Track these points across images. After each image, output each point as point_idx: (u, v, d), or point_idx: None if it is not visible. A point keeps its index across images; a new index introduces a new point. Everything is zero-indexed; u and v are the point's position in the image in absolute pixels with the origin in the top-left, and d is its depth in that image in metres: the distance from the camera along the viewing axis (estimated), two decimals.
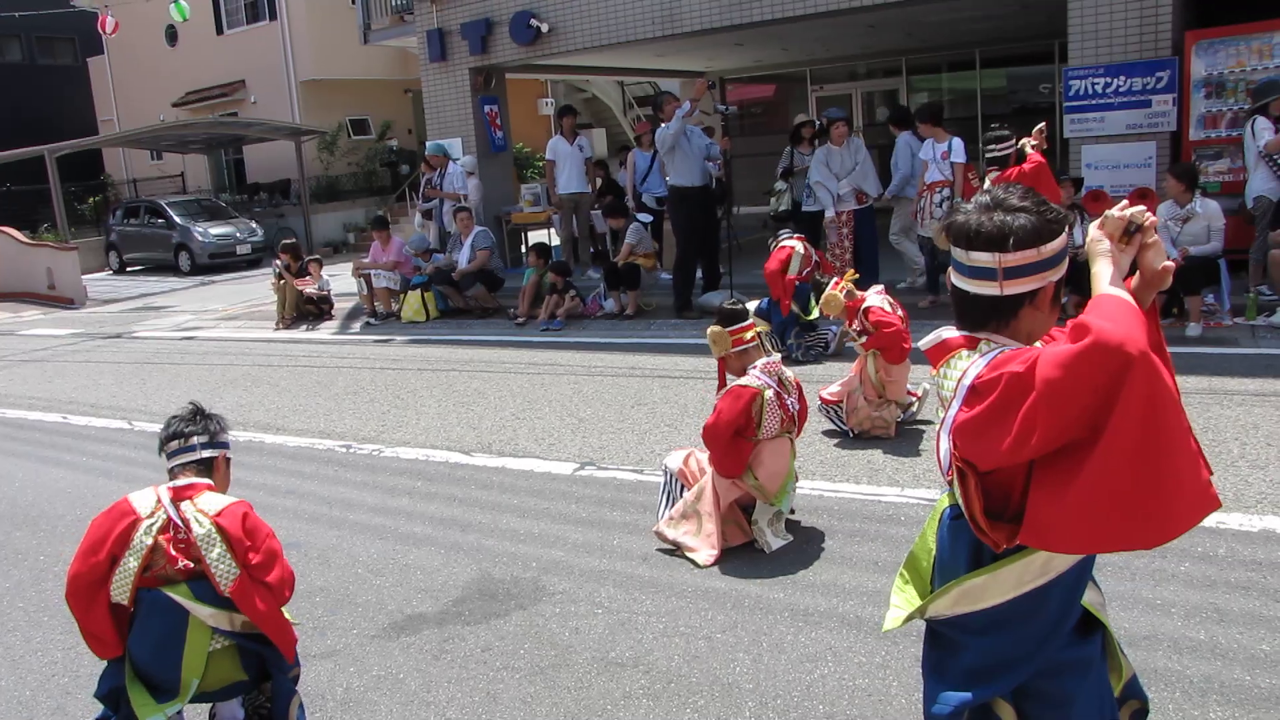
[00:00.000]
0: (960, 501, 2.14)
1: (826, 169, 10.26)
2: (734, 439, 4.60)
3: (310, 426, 7.80)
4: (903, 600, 2.46)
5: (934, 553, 2.35)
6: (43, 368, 11.77)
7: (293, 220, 23.63)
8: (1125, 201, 2.11)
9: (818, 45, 16.57)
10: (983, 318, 2.12)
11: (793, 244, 8.71)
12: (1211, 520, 4.57)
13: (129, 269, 24.24)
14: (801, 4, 11.86)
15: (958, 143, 9.80)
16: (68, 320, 16.41)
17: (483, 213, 14.21)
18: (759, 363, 4.79)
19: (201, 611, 3.09)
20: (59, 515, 6.14)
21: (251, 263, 22.02)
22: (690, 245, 10.85)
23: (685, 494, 4.88)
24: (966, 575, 2.20)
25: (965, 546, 2.22)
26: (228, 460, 3.39)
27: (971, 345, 2.12)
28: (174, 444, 3.27)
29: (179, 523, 3.09)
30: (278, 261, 13.70)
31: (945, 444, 2.14)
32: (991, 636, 2.23)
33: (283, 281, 13.45)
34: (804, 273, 8.65)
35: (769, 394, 4.64)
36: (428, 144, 14.67)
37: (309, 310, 13.68)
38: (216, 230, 22.42)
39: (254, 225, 23.10)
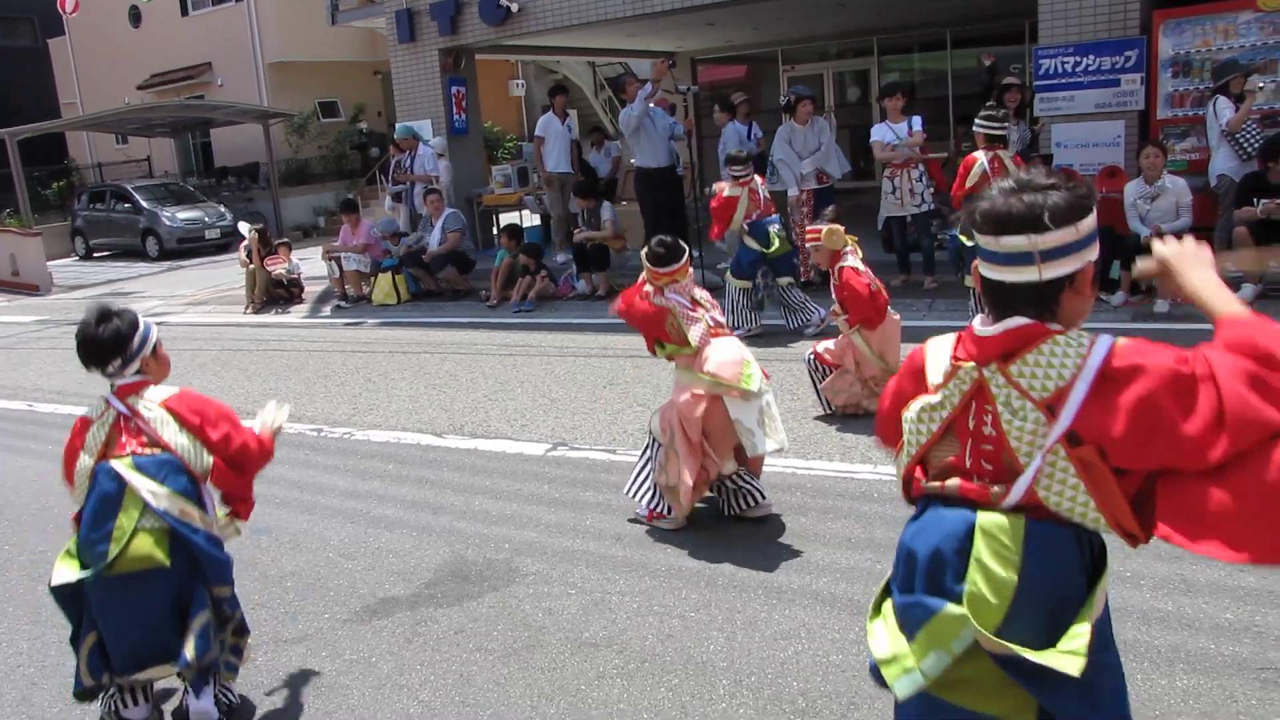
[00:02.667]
0: (1070, 504, 1.91)
1: (789, 147, 10.22)
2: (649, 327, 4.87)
3: None
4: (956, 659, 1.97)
5: (1015, 584, 1.92)
6: (7, 355, 11.63)
7: (262, 204, 23.39)
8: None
9: (789, 25, 16.52)
10: (1021, 308, 1.95)
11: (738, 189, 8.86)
12: None
13: (95, 255, 23.93)
14: None
15: (917, 120, 9.88)
16: (32, 307, 16.20)
17: (453, 194, 14.12)
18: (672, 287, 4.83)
19: (141, 484, 3.16)
20: (24, 505, 6.07)
21: (220, 247, 21.78)
22: (658, 225, 10.82)
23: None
24: (1090, 596, 1.96)
25: (1074, 562, 1.96)
26: (155, 351, 3.43)
27: (1046, 335, 1.94)
28: (109, 370, 3.33)
29: (127, 412, 3.27)
30: (245, 241, 13.55)
31: (1040, 435, 1.91)
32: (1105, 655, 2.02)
33: (252, 265, 13.33)
34: (756, 214, 8.85)
35: (677, 308, 4.72)
36: (397, 126, 14.55)
37: (279, 294, 13.57)
38: (184, 215, 22.17)
39: (222, 209, 22.85)
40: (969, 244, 7.58)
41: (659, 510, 4.79)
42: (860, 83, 18.98)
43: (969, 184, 8.12)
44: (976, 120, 8.26)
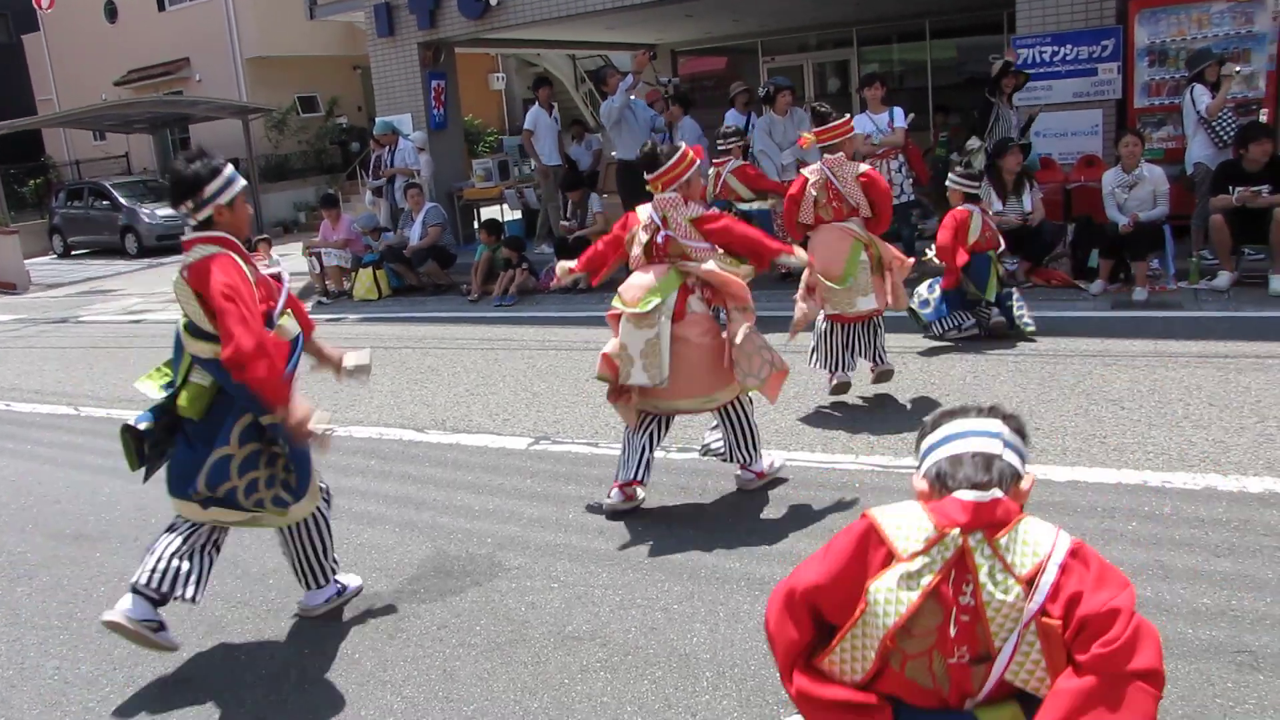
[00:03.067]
0: (1027, 677, 2.01)
1: (769, 138, 10.22)
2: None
3: None
4: None
5: None
6: None
7: None
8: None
9: (768, 16, 16.51)
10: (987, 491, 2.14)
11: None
12: (1156, 480, 4.71)
13: (74, 252, 23.77)
14: None
15: (899, 111, 9.89)
16: (10, 305, 16.08)
17: (434, 189, 14.08)
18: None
19: (184, 335, 3.69)
20: (2, 504, 6.03)
21: None
22: None
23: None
24: None
25: None
26: (232, 203, 3.68)
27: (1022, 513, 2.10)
28: (182, 210, 3.70)
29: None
30: None
31: (1017, 611, 1.98)
32: None
33: None
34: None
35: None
36: (377, 121, 14.49)
37: None
38: (164, 212, 22.00)
39: None
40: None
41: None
42: (840, 73, 18.97)
43: (973, 239, 7.48)
44: (951, 177, 7.80)
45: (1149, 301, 8.20)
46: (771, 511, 4.80)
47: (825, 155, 6.17)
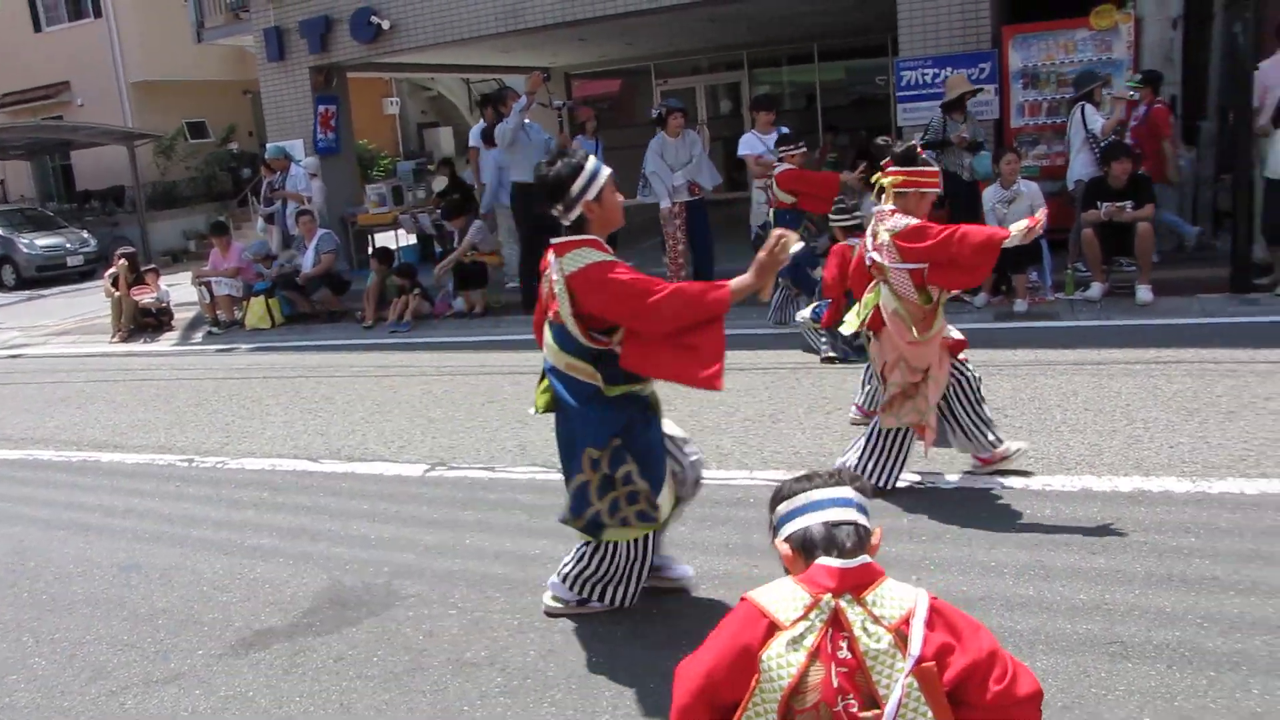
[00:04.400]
0: None
1: (661, 160, 10.35)
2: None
3: (150, 442, 7.51)
4: None
5: None
6: None
7: (128, 229, 22.58)
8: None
9: (661, 40, 16.74)
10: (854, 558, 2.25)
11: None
12: (1038, 484, 4.89)
13: None
14: None
15: (785, 130, 10.12)
16: None
17: (327, 215, 13.90)
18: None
19: (546, 339, 3.84)
20: None
21: (84, 274, 20.99)
22: (535, 240, 10.84)
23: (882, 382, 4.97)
24: None
25: None
26: (599, 197, 3.67)
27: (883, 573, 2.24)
28: (554, 212, 3.75)
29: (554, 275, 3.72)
30: (112, 270, 13.10)
31: (895, 660, 2.14)
32: None
33: (118, 293, 12.88)
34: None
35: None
36: (268, 146, 14.26)
37: (147, 323, 13.14)
38: (44, 241, 21.30)
39: (85, 235, 22.02)
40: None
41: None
42: (732, 95, 19.32)
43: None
44: (831, 217, 7.90)
45: (1029, 312, 8.52)
46: (666, 532, 4.83)
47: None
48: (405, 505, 5.57)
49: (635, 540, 3.87)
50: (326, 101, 14.73)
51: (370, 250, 14.85)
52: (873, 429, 5.01)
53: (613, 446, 3.69)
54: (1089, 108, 9.15)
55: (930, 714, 2.10)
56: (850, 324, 5.21)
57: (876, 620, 2.14)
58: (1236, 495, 4.61)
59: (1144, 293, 8.35)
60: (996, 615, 3.71)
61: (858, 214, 7.88)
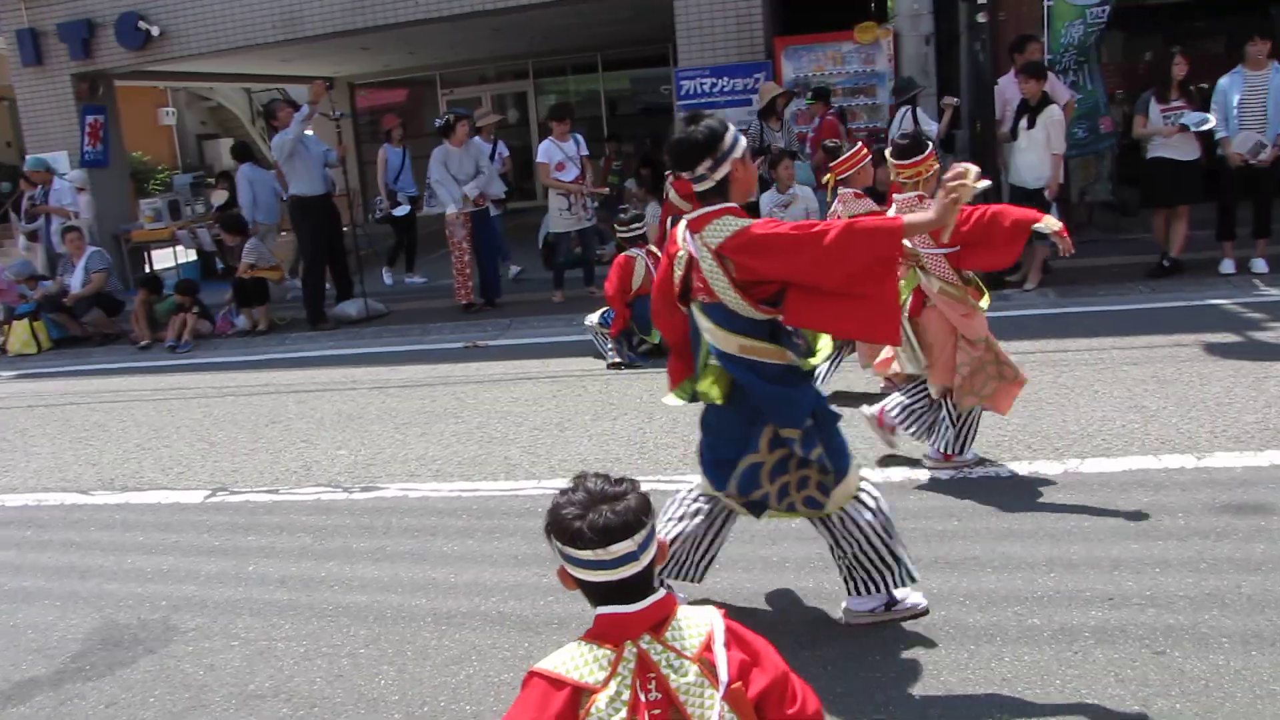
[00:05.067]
0: None
1: (444, 169, 10.28)
2: None
3: None
4: None
5: None
6: None
7: None
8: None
9: (446, 49, 16.61)
10: (644, 588, 2.17)
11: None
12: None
13: None
14: (421, 8, 11.89)
15: (580, 138, 10.29)
16: None
17: (97, 232, 13.13)
18: None
19: (704, 324, 3.50)
20: None
21: None
22: (318, 255, 10.59)
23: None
24: None
25: None
26: (744, 158, 3.41)
27: (676, 602, 2.20)
28: (698, 172, 3.41)
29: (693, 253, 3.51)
30: None
31: (705, 688, 2.11)
32: None
33: None
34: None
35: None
36: (28, 158, 13.34)
37: None
38: None
39: None
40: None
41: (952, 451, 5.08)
42: (519, 104, 19.36)
43: (637, 284, 7.66)
44: (615, 228, 8.07)
45: None
46: (455, 545, 4.82)
47: (842, 190, 6.39)
48: (184, 534, 5.34)
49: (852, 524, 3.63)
50: (94, 111, 13.91)
51: (148, 267, 14.16)
52: (950, 413, 5.04)
53: (807, 427, 3.46)
54: (921, 112, 9.69)
55: None
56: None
57: (680, 654, 2.10)
58: (992, 477, 4.97)
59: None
60: (779, 609, 3.87)
61: (639, 225, 8.04)
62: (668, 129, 11.49)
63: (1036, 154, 8.59)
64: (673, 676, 2.09)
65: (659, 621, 2.13)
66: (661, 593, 2.16)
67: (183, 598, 4.56)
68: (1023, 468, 5.05)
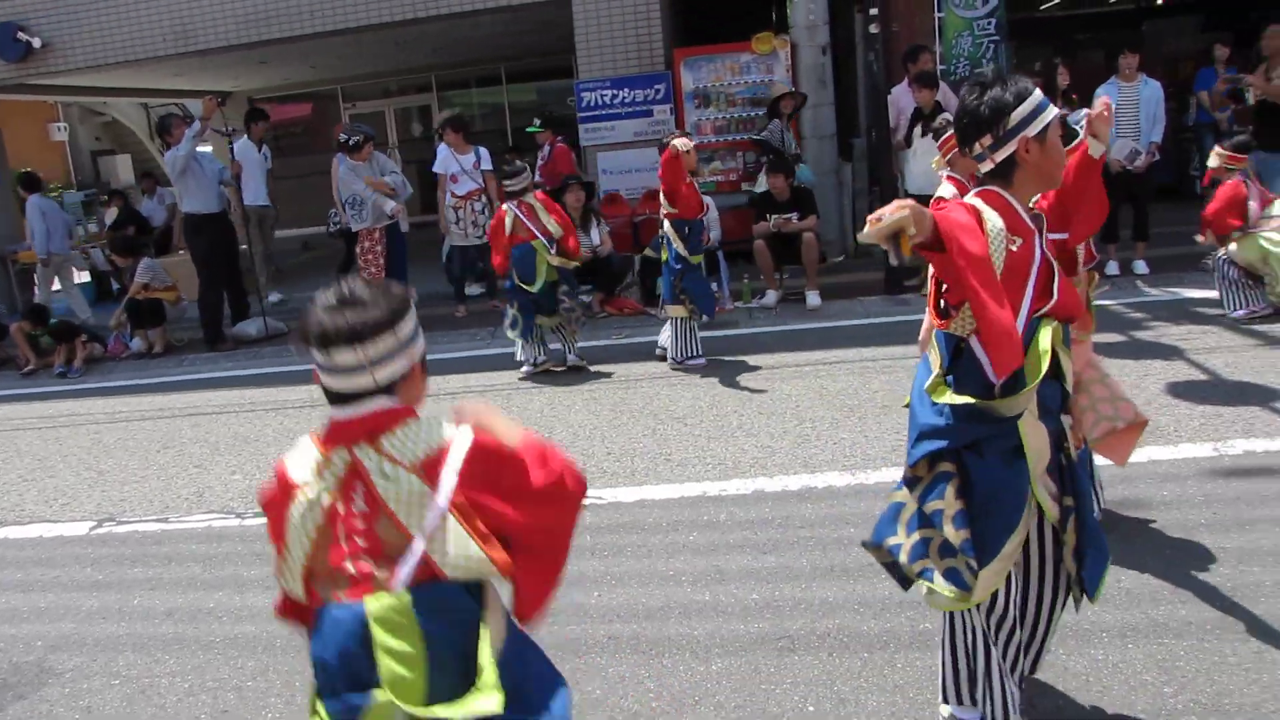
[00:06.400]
0: (464, 562, 2.09)
1: (360, 181, 10.07)
2: None
3: None
4: None
5: (423, 654, 2.10)
6: None
7: None
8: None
9: (348, 63, 16.38)
10: (373, 397, 2.10)
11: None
12: (715, 489, 5.11)
13: None
14: (318, 21, 11.69)
15: (484, 151, 10.16)
16: None
17: None
18: None
19: None
20: None
21: None
22: (215, 274, 10.31)
23: None
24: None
25: (471, 608, 2.15)
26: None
27: (408, 414, 2.11)
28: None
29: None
30: None
31: (423, 499, 2.06)
32: None
33: None
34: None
35: None
36: None
37: None
38: None
39: None
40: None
41: None
42: (423, 118, 19.18)
43: (509, 234, 7.65)
44: (504, 181, 7.87)
45: (710, 322, 8.92)
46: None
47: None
48: (66, 569, 5.12)
49: (967, 621, 2.89)
50: None
51: (37, 290, 13.66)
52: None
53: (937, 470, 2.72)
54: (775, 122, 9.77)
55: (466, 554, 2.03)
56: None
57: (396, 462, 2.03)
58: (889, 484, 4.97)
59: (813, 298, 8.98)
60: (675, 624, 3.84)
61: (523, 175, 7.74)
62: (573, 140, 11.44)
63: (930, 161, 8.73)
64: (384, 485, 2.03)
65: (379, 429, 2.06)
66: (387, 402, 2.08)
67: (61, 636, 4.37)
68: None
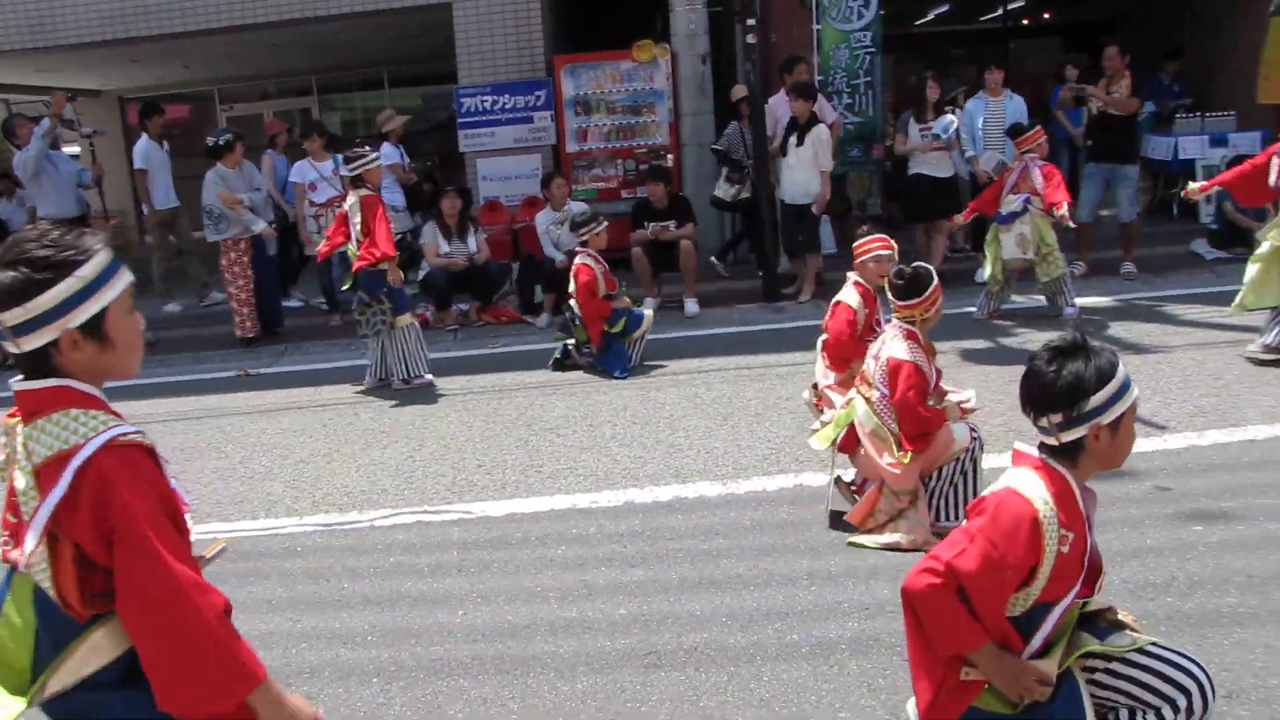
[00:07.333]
0: (41, 576, 1.95)
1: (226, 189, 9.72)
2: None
3: None
4: None
5: (32, 631, 2.02)
6: None
7: None
8: None
9: (223, 64, 15.86)
10: (32, 372, 1.96)
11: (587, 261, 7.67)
12: (585, 501, 5.06)
13: None
14: (186, 20, 11.33)
15: (340, 159, 9.90)
16: None
17: None
18: None
19: None
20: None
21: None
22: None
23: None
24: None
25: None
26: None
27: (70, 404, 1.95)
28: None
29: None
30: None
31: (31, 503, 1.96)
32: None
33: None
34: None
35: None
36: None
37: None
38: None
39: None
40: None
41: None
42: (304, 122, 18.72)
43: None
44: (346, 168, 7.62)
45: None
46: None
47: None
48: None
49: None
50: None
51: None
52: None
53: None
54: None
55: (51, 579, 1.91)
56: (823, 437, 4.67)
57: (28, 456, 1.91)
58: (759, 493, 5.04)
59: (691, 305, 9.02)
60: (541, 642, 3.77)
61: (359, 163, 7.48)
62: (456, 146, 11.28)
63: (805, 171, 8.88)
64: (16, 474, 1.95)
65: (38, 410, 1.92)
66: (56, 383, 1.93)
67: None
68: (789, 480, 5.15)
